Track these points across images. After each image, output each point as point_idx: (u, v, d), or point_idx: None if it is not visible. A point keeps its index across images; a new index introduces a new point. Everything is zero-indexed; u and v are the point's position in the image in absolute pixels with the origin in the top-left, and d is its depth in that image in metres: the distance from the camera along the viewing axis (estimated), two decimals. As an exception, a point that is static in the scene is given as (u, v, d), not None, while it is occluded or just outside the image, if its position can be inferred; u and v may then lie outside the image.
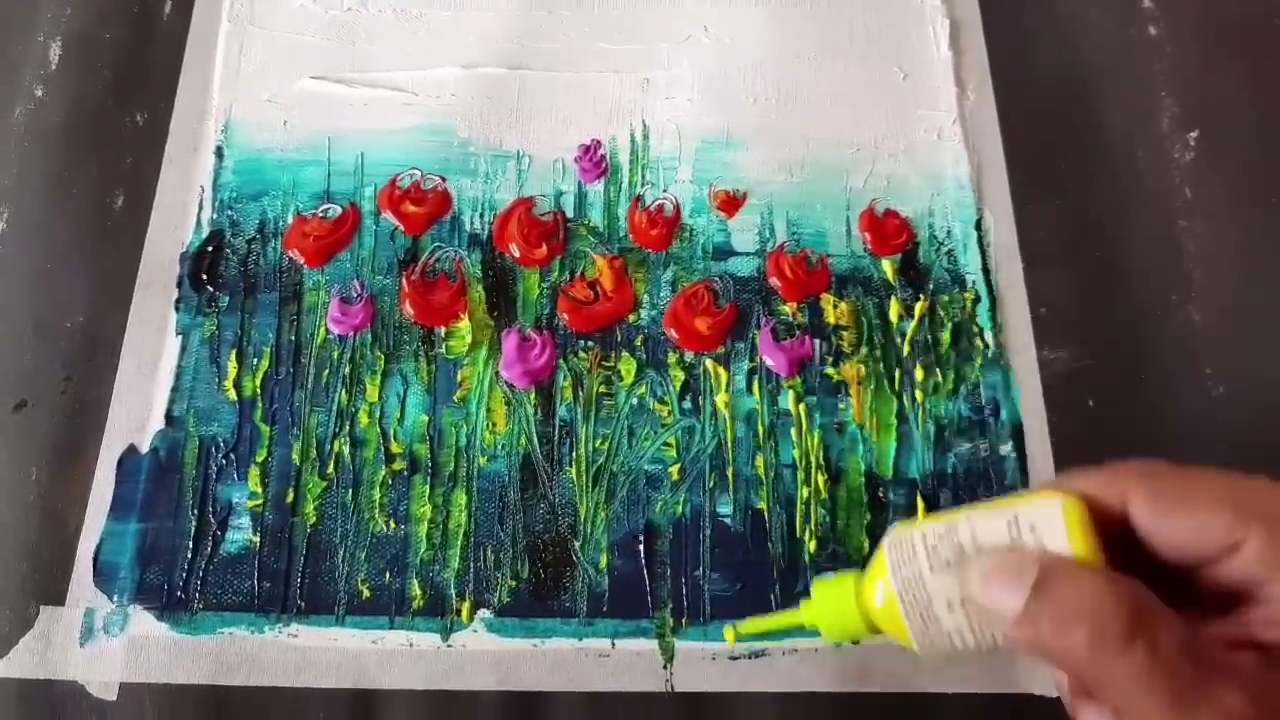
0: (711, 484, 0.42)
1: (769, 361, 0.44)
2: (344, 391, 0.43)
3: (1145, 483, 0.24)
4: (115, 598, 0.40)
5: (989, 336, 0.45)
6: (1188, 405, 0.44)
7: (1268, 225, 0.48)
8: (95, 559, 0.40)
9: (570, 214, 0.47)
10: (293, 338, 0.44)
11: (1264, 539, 0.22)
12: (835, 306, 0.46)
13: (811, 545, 0.41)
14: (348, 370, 0.44)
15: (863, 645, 0.39)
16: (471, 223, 0.47)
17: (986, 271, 0.47)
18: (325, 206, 0.47)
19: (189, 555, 0.41)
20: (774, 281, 0.46)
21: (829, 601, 0.27)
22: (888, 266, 0.47)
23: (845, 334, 0.45)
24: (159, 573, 0.40)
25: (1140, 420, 0.44)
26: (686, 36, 0.52)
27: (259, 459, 0.42)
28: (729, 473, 0.42)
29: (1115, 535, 0.24)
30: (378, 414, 0.43)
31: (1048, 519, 0.24)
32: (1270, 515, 0.22)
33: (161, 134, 0.48)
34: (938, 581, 0.24)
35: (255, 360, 0.44)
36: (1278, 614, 0.22)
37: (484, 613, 0.40)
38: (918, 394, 0.44)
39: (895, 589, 0.25)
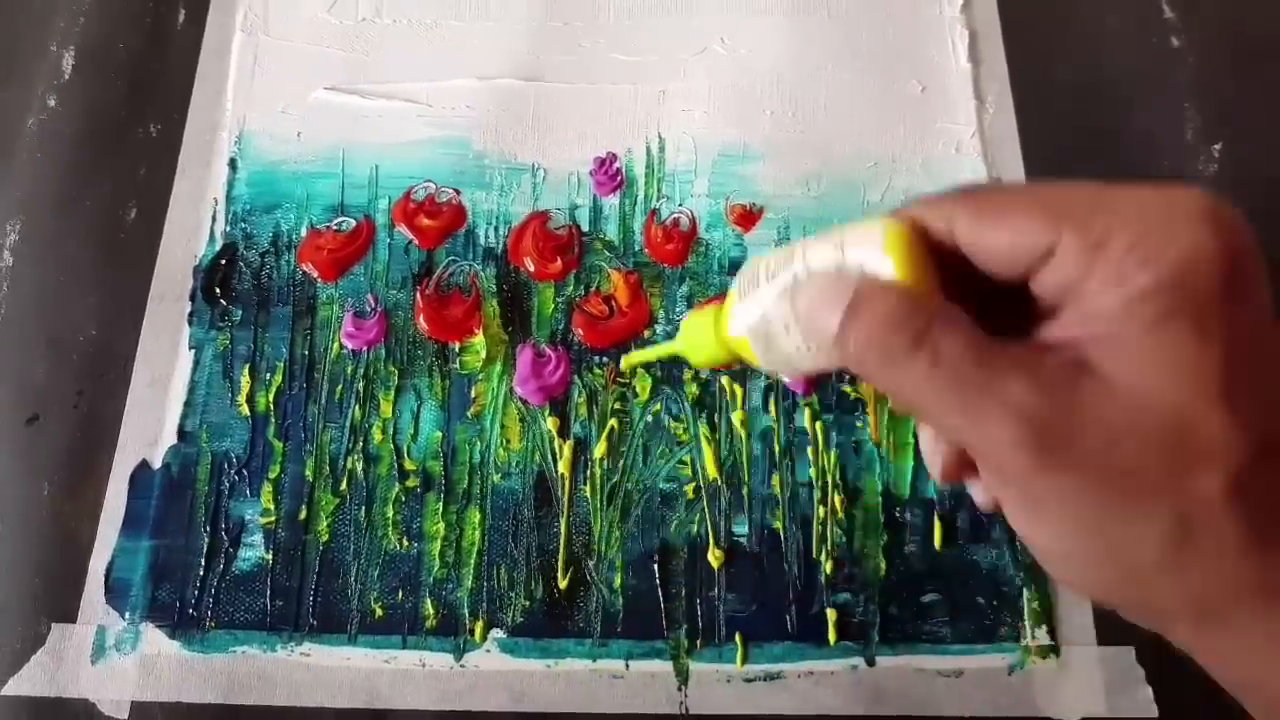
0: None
1: (785, 379, 0.44)
2: (357, 407, 0.43)
3: (967, 200, 0.24)
4: (127, 615, 0.40)
5: (1008, 353, 0.45)
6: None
7: (1293, 239, 0.47)
8: (107, 576, 0.40)
9: (585, 228, 0.47)
10: (306, 352, 0.44)
11: (1076, 237, 0.21)
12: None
13: (828, 565, 0.41)
14: (361, 385, 0.43)
15: (879, 668, 0.39)
16: (486, 236, 0.47)
17: (1006, 287, 0.46)
18: (339, 219, 0.47)
19: (201, 573, 0.40)
20: (791, 297, 0.46)
21: (695, 332, 0.28)
22: (906, 282, 0.46)
23: (863, 351, 0.45)
24: (171, 590, 0.40)
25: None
26: (703, 49, 0.51)
27: (272, 475, 0.42)
28: (744, 491, 0.42)
29: (950, 259, 0.24)
30: (391, 430, 0.43)
31: (870, 243, 0.24)
32: (1081, 214, 0.22)
33: (175, 145, 0.48)
34: (775, 307, 0.25)
35: (268, 375, 0.44)
36: (1089, 309, 0.22)
37: (497, 632, 0.40)
38: (936, 412, 0.44)
39: (741, 314, 0.26)
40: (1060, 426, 0.21)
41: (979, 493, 0.26)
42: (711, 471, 0.42)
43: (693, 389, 0.44)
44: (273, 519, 0.41)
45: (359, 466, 0.42)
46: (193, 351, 0.44)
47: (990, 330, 0.23)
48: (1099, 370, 0.21)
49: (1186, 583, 0.21)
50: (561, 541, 0.41)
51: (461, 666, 0.39)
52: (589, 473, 0.42)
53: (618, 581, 0.41)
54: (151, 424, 0.43)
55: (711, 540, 0.41)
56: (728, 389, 0.44)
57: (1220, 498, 0.20)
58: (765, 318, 0.25)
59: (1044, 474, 0.21)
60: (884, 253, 0.23)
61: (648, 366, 0.43)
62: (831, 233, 0.25)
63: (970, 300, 0.24)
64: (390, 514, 0.41)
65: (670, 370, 0.44)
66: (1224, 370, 0.21)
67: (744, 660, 0.39)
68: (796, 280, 0.25)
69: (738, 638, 0.40)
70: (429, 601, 0.40)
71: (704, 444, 0.43)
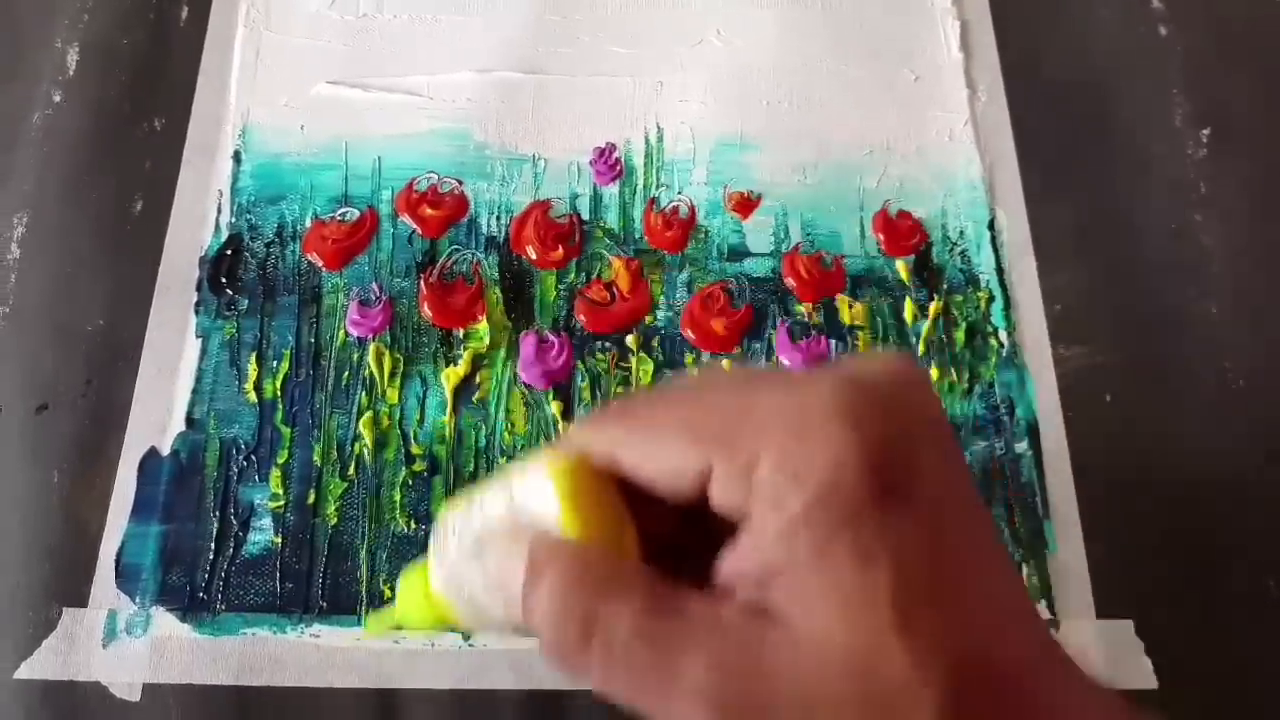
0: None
1: (785, 361, 0.45)
2: (364, 393, 0.44)
3: (623, 423, 0.22)
4: (138, 599, 0.40)
5: (1003, 335, 0.46)
6: (1207, 399, 0.44)
7: (1282, 219, 0.48)
8: (117, 561, 0.41)
9: (586, 216, 0.48)
10: (312, 340, 0.45)
11: (725, 462, 0.20)
12: (850, 307, 0.46)
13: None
14: (367, 372, 0.44)
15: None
16: (488, 225, 0.47)
17: (1000, 271, 0.47)
18: (343, 210, 0.47)
19: (211, 557, 0.41)
20: (789, 282, 0.46)
21: (408, 595, 0.25)
22: (901, 267, 0.47)
23: (860, 334, 0.46)
24: (181, 574, 0.40)
25: (1159, 416, 0.44)
26: (699, 40, 0.52)
27: (280, 461, 0.42)
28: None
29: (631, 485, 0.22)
30: (398, 415, 0.43)
31: (539, 491, 0.22)
32: (726, 434, 0.20)
33: (179, 139, 0.49)
34: (469, 569, 0.23)
35: (275, 362, 0.44)
36: (758, 537, 0.19)
37: (505, 612, 0.40)
38: (934, 393, 0.44)
39: (441, 579, 0.24)
40: (747, 700, 0.19)
41: None
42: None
43: (694, 373, 0.44)
44: (281, 503, 0.42)
45: (366, 452, 0.43)
46: (200, 340, 0.44)
47: (699, 544, 0.21)
48: (780, 615, 0.19)
49: None
50: (567, 523, 0.42)
51: (470, 646, 0.40)
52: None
53: (623, 561, 0.41)
54: (160, 411, 0.43)
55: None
56: (729, 372, 0.44)
57: None
58: (460, 579, 0.23)
59: None
60: (557, 503, 0.21)
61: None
62: (505, 475, 0.23)
63: (670, 516, 0.22)
64: (397, 498, 0.42)
65: (672, 354, 0.45)
66: (894, 595, 0.18)
67: (748, 637, 0.40)
68: (478, 539, 0.23)
69: (742, 615, 0.40)
70: (437, 583, 0.41)
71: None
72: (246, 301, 0.45)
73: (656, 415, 0.21)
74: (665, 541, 0.22)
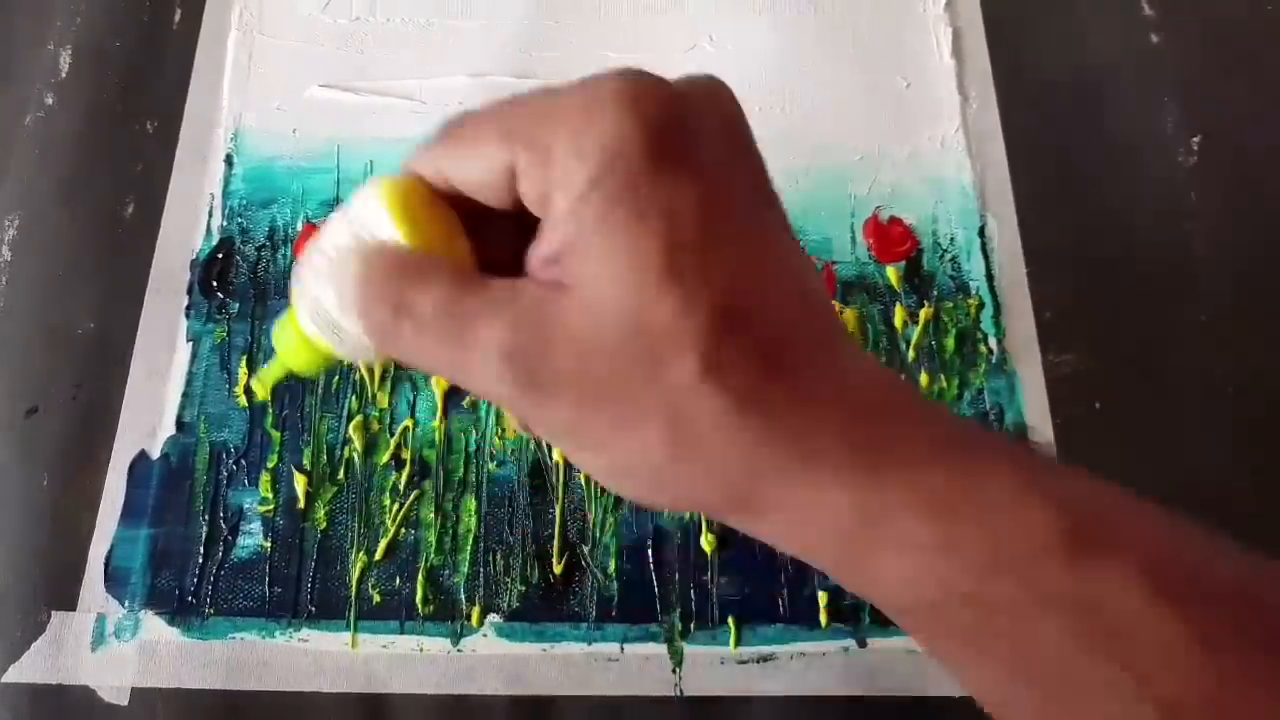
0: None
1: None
2: (354, 397, 0.44)
3: (444, 138, 0.23)
4: (127, 603, 0.40)
5: (993, 342, 0.46)
6: (1196, 406, 0.44)
7: (1272, 225, 0.48)
8: (107, 564, 0.41)
9: (577, 221, 0.48)
10: (303, 344, 0.45)
11: (527, 152, 0.21)
12: (841, 313, 0.46)
13: (819, 549, 0.41)
14: (357, 376, 0.44)
15: (870, 649, 0.40)
16: (480, 230, 0.47)
17: (990, 277, 0.47)
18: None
19: (200, 560, 0.41)
20: (780, 287, 0.46)
21: (283, 339, 0.26)
22: (892, 273, 0.47)
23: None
24: (170, 578, 0.41)
25: (1148, 423, 0.44)
26: (691, 46, 0.52)
27: (270, 465, 0.42)
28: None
29: (467, 202, 0.23)
30: (388, 420, 0.43)
31: (372, 207, 0.23)
32: (528, 127, 0.21)
33: (171, 142, 0.49)
34: (325, 296, 0.24)
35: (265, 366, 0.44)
36: (554, 218, 0.21)
37: (494, 617, 0.40)
38: (924, 399, 0.44)
39: (305, 313, 0.24)
40: (534, 353, 0.20)
41: None
42: (704, 458, 0.43)
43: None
44: (271, 507, 0.42)
45: (356, 456, 0.43)
46: (190, 343, 0.45)
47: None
48: (569, 283, 0.20)
49: (708, 474, 0.20)
50: (556, 528, 0.42)
51: (459, 651, 0.40)
52: (583, 460, 0.43)
53: (612, 567, 0.41)
54: (150, 415, 0.43)
55: (705, 525, 0.42)
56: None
57: (697, 382, 0.19)
58: (320, 308, 0.24)
59: (535, 403, 0.21)
60: (388, 214, 0.22)
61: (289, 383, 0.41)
62: (344, 207, 0.24)
63: (512, 236, 0.23)
64: (387, 502, 0.42)
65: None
66: (666, 248, 0.19)
67: (737, 643, 0.40)
68: (329, 261, 0.24)
69: (731, 621, 0.40)
70: (426, 587, 0.41)
71: (696, 431, 0.43)
72: (237, 305, 0.45)
73: (471, 126, 0.22)
74: (509, 265, 0.23)
